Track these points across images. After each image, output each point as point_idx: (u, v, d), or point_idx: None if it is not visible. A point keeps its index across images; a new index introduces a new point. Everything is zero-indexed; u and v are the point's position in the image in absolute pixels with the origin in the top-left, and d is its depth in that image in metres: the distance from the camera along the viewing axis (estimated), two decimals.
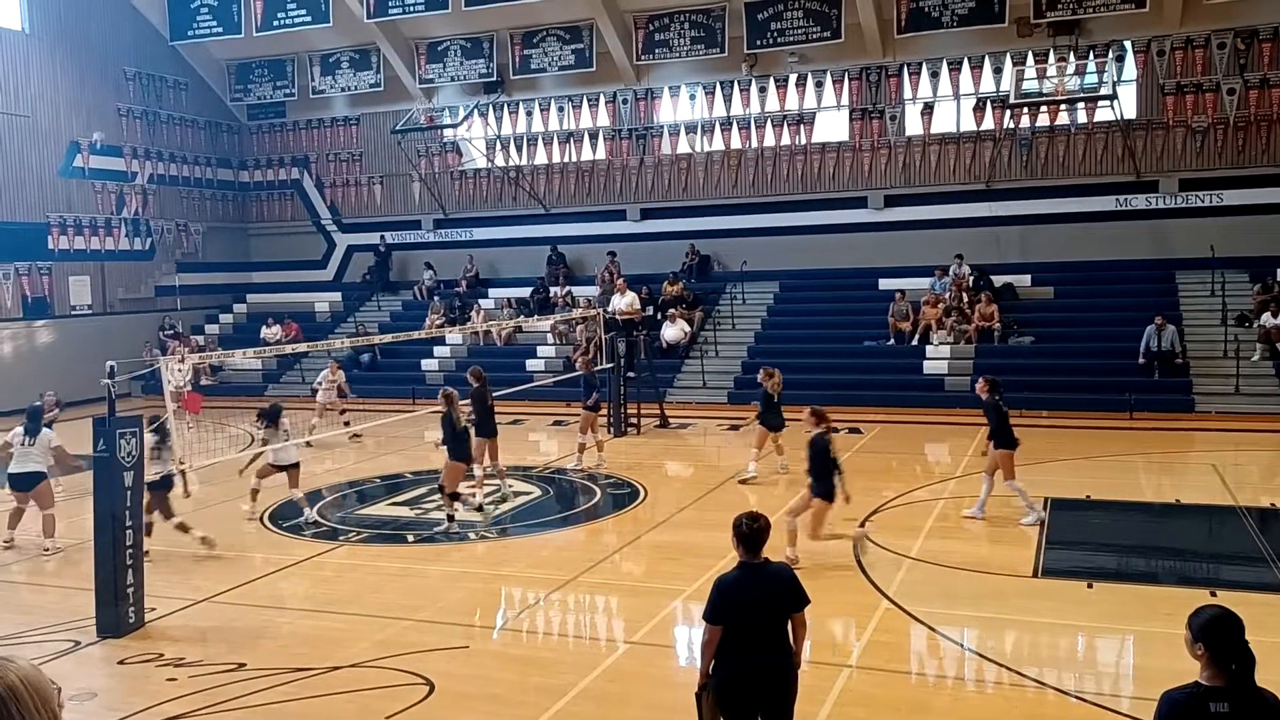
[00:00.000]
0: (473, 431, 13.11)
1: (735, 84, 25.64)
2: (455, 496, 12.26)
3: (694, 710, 5.38)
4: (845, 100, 25.06)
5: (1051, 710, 7.02)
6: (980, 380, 12.29)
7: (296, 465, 13.16)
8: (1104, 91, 22.07)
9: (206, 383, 24.91)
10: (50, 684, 2.31)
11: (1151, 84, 22.81)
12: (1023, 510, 11.68)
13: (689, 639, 8.29)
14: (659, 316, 24.10)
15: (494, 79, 26.95)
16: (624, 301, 23.34)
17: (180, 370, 10.39)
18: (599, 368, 18.25)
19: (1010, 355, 21.35)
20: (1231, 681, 3.64)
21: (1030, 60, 22.98)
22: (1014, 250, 23.94)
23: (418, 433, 19.50)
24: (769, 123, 25.65)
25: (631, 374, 19.87)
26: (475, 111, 27.61)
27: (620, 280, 24.16)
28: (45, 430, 12.20)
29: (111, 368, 9.14)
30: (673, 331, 23.55)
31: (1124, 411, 18.94)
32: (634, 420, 18.99)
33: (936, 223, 24.22)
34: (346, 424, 18.52)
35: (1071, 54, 22.55)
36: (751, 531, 5.34)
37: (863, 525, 10.98)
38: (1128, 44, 22.83)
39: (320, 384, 19.87)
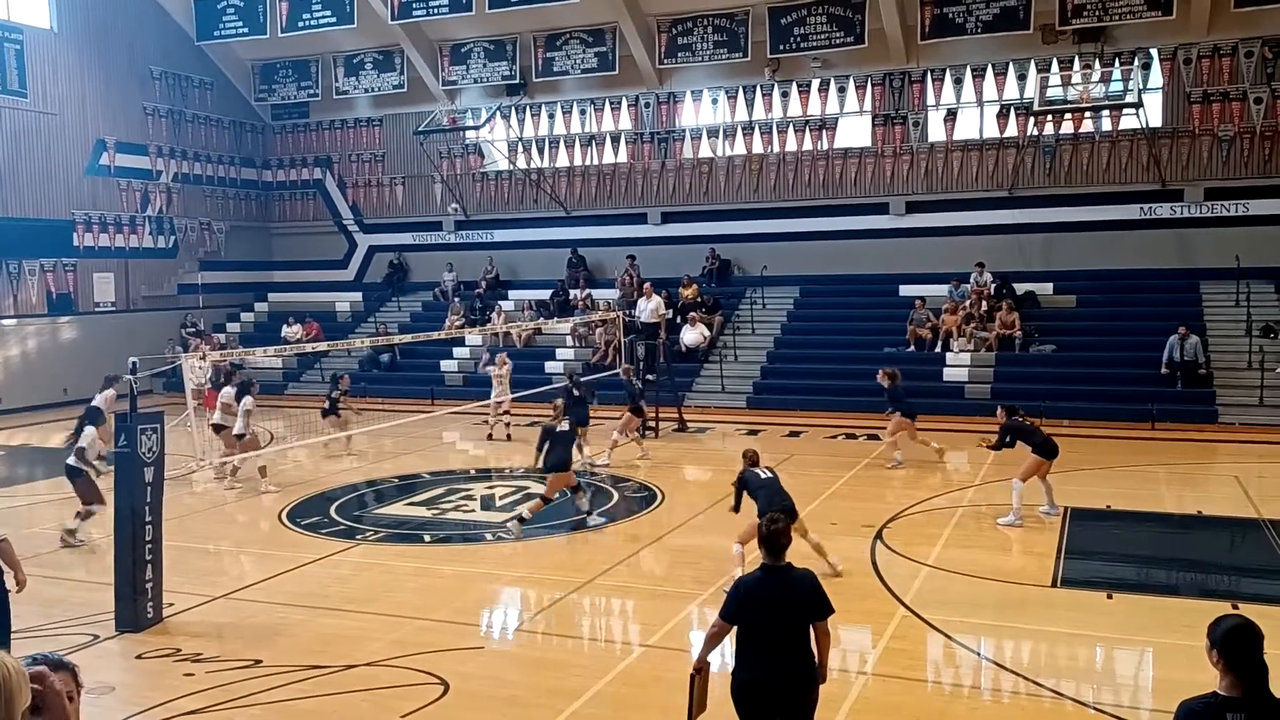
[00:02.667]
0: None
1: (758, 88, 25.60)
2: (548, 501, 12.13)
3: (708, 716, 5.39)
4: (868, 106, 24.98)
5: None
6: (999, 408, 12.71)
7: None
8: (1129, 99, 21.91)
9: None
10: (24, 687, 2.30)
11: (1177, 92, 22.62)
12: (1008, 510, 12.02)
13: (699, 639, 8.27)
14: (677, 320, 24.09)
15: (517, 81, 27.02)
16: (650, 306, 23.36)
17: (201, 368, 10.55)
18: (613, 371, 18.25)
19: (1032, 364, 21.22)
20: (1248, 692, 3.62)
21: (1055, 67, 22.83)
22: (1037, 258, 23.79)
23: (436, 433, 19.56)
24: (791, 128, 25.60)
25: (651, 377, 19.87)
26: (497, 113, 27.68)
27: (648, 285, 24.16)
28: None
29: (133, 364, 9.20)
30: (692, 335, 23.52)
31: (1146, 422, 18.78)
32: (652, 424, 18.96)
33: (958, 229, 24.09)
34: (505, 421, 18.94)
35: (1096, 61, 22.40)
36: (769, 533, 5.34)
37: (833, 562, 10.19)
38: (1153, 51, 22.66)
39: (491, 372, 19.80)
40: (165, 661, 8.11)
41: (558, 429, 12.44)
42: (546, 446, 12.28)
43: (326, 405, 18.24)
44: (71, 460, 11.87)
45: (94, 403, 13.48)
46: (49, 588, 10.11)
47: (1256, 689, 3.61)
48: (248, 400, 15.10)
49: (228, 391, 15.79)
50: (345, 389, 18.47)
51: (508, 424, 18.82)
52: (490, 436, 18.76)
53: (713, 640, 5.46)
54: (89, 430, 12.13)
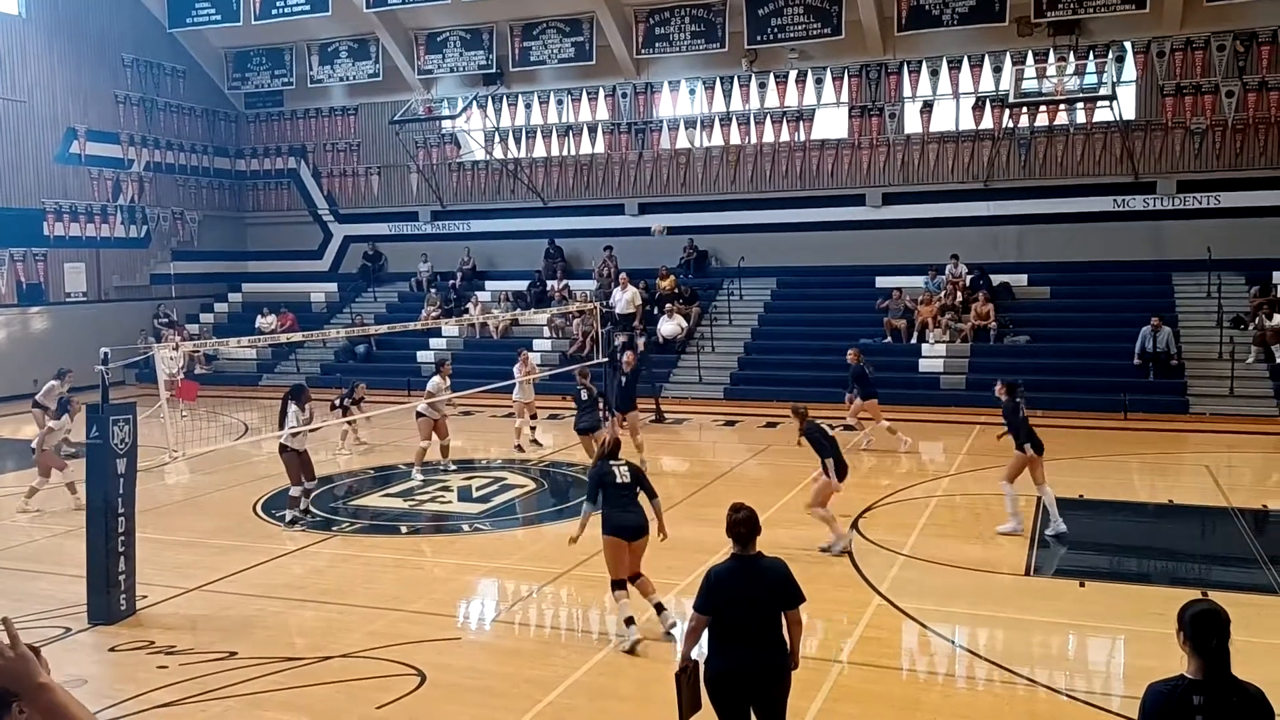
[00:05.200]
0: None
1: (735, 79, 25.59)
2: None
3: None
4: (845, 97, 25.03)
5: (1042, 708, 7.03)
6: (999, 383, 11.89)
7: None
8: (1103, 92, 22.07)
9: (201, 371, 24.88)
10: None
11: (1151, 85, 22.81)
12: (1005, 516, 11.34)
13: (681, 633, 8.28)
14: (654, 311, 24.10)
15: (493, 71, 26.89)
16: (625, 297, 23.37)
17: (174, 358, 10.45)
18: (594, 361, 18.24)
19: (1006, 355, 21.35)
20: (1211, 674, 3.68)
21: (1030, 60, 22.96)
22: (1011, 250, 23.93)
23: (411, 425, 19.43)
24: (768, 119, 25.62)
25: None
26: (474, 103, 27.55)
27: (624, 275, 24.17)
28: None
29: (105, 355, 9.11)
30: (669, 326, 23.54)
31: (1118, 412, 18.96)
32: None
33: (934, 221, 24.21)
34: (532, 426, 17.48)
35: (1071, 54, 22.54)
36: (731, 522, 5.38)
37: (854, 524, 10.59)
38: (1128, 45, 22.82)
39: (516, 378, 17.38)
40: (139, 654, 8.06)
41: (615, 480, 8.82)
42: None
43: (336, 401, 17.24)
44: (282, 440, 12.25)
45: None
46: (21, 580, 10.03)
47: (1219, 671, 3.69)
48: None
49: (435, 382, 15.20)
50: (360, 398, 17.40)
51: (533, 428, 17.50)
52: (519, 448, 16.81)
53: (693, 635, 5.44)
54: (291, 409, 12.13)
